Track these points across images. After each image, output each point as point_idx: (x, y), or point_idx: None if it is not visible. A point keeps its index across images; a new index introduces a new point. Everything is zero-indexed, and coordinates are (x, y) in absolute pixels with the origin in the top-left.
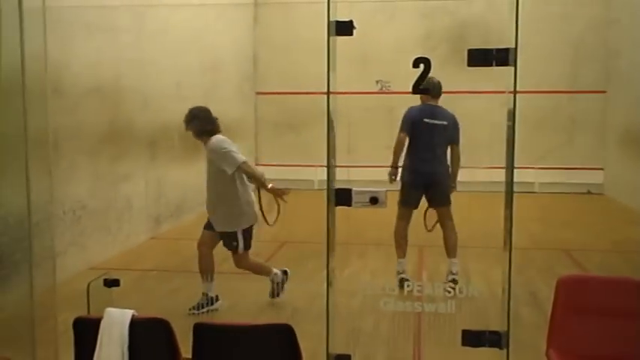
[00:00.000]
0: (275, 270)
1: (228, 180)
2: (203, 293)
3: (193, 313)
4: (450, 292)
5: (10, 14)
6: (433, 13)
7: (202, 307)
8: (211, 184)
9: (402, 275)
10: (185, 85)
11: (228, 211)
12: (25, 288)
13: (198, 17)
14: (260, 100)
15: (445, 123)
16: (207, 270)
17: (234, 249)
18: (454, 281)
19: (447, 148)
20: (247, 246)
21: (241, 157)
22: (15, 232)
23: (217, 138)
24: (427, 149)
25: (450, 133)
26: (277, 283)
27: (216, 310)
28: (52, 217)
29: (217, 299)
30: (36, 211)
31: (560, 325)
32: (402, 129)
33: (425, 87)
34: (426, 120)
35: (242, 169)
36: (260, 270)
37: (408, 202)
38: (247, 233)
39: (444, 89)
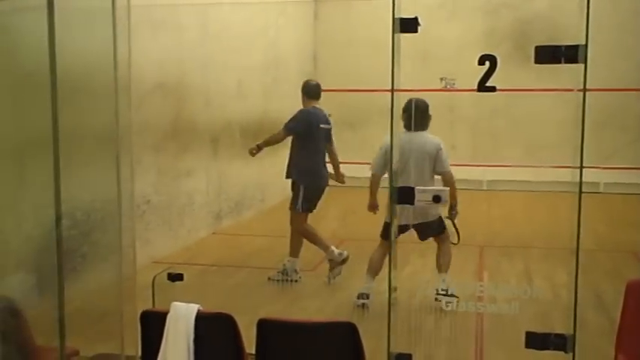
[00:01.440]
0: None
1: None
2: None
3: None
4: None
5: (103, 14)
6: (495, 9)
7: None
8: None
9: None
10: (246, 82)
11: None
12: (92, 280)
13: (260, 15)
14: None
15: (330, 126)
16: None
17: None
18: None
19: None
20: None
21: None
22: (82, 226)
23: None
24: (321, 153)
25: (329, 134)
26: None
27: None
28: (130, 210)
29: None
30: (103, 205)
31: (630, 330)
32: (290, 129)
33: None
34: (322, 125)
35: None
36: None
37: (309, 207)
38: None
39: (507, 87)
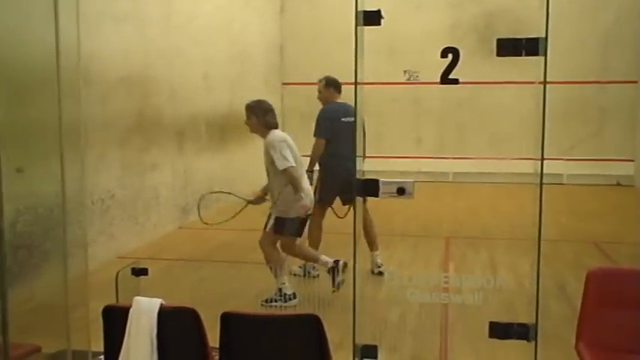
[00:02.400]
0: (323, 258)
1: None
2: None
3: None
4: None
5: (44, 4)
6: (461, 2)
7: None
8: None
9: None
10: (212, 75)
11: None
12: (55, 277)
13: (226, 7)
14: (286, 91)
15: (353, 119)
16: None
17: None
18: (380, 273)
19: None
20: (294, 234)
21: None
22: (45, 221)
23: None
24: (347, 147)
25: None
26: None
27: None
28: (82, 206)
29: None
30: (66, 200)
31: (590, 318)
32: (321, 134)
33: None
34: (343, 119)
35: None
36: (307, 257)
37: (327, 200)
38: (294, 222)
39: (472, 79)
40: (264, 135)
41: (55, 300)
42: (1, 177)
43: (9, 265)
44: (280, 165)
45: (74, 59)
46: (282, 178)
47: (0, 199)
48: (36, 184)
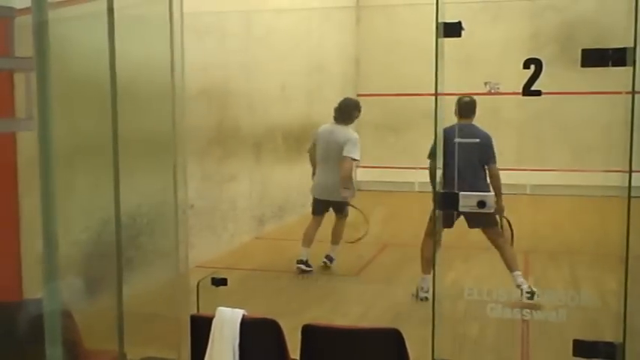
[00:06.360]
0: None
1: None
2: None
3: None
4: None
5: (154, 21)
6: (540, 12)
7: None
8: None
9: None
10: (289, 87)
11: None
12: (140, 285)
13: (303, 21)
14: (362, 102)
15: (477, 140)
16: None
17: None
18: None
19: (480, 167)
20: None
21: None
22: (128, 230)
23: None
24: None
25: (483, 150)
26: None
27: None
28: (177, 215)
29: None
30: (149, 210)
31: None
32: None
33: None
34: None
35: None
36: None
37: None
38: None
39: (552, 90)
40: None
41: (137, 308)
42: (119, 181)
43: (95, 273)
44: None
45: (178, 74)
46: None
47: (117, 203)
48: (120, 194)
